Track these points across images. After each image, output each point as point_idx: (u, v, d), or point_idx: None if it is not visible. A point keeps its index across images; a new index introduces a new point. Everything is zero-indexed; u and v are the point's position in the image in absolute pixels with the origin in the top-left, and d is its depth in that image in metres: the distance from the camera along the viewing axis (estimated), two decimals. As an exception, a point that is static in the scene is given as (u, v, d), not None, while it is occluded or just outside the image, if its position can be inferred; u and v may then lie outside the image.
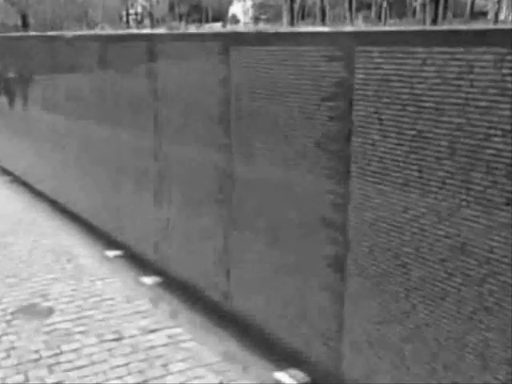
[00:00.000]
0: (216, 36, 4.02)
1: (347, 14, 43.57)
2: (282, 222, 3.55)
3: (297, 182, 3.34)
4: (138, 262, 5.47)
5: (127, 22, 65.99)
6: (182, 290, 4.75)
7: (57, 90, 6.83)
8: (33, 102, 7.73)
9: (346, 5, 44.94)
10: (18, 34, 9.88)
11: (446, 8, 39.79)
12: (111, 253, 5.87)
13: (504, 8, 43.20)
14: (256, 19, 62.43)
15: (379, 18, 48.63)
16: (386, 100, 2.75)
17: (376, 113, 2.80)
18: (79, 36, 6.66)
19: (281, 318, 3.64)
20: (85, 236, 6.35)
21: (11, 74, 8.37)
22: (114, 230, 5.93)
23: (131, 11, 73.44)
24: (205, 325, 4.29)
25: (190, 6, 67.14)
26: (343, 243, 3.09)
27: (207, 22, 64.72)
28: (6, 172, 9.06)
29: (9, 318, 4.50)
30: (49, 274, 5.37)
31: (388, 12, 48.90)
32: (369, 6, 52.17)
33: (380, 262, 2.90)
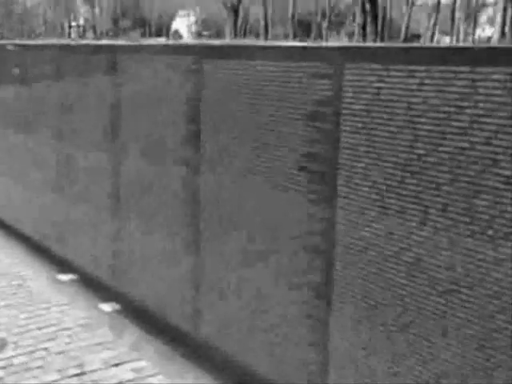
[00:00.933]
0: (188, 48, 3.81)
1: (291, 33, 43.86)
2: (257, 246, 3.35)
3: (276, 205, 3.15)
4: (95, 286, 5.17)
5: (69, 34, 64.94)
6: (144, 317, 4.48)
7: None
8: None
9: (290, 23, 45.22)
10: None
11: (383, 30, 40.49)
12: (65, 276, 5.54)
13: (437, 32, 44.45)
14: (199, 35, 62.28)
15: (320, 37, 49.06)
16: (378, 120, 2.59)
17: (367, 134, 2.64)
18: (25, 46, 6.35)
19: (259, 351, 3.43)
20: (34, 258, 6.00)
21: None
22: (66, 252, 5.61)
23: (73, 23, 72.43)
24: (172, 356, 4.04)
25: (133, 20, 66.55)
26: (328, 271, 2.91)
27: (150, 36, 64.22)
28: None
29: (-43, 352, 4.16)
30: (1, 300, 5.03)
31: (328, 32, 49.42)
32: (308, 26, 52.46)
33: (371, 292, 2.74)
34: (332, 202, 2.83)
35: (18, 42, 7.30)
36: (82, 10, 69.59)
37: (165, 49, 4.13)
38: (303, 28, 50.15)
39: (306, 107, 2.91)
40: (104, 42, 5.89)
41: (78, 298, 5.10)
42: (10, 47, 6.78)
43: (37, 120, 5.78)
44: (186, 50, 3.84)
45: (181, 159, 3.88)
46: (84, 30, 67.47)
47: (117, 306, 4.85)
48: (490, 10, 46.45)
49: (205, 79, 3.62)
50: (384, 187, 2.59)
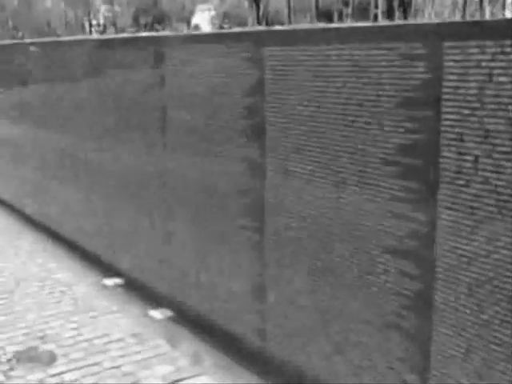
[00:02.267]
0: (245, 35, 3.48)
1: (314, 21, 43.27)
2: (332, 256, 3.02)
3: (363, 208, 2.81)
4: (143, 291, 4.89)
5: (90, 32, 64.86)
6: (201, 326, 4.18)
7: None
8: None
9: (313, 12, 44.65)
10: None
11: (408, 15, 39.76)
12: (110, 281, 5.27)
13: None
14: (220, 28, 61.83)
15: (344, 24, 48.29)
16: (492, 106, 2.25)
17: (478, 122, 2.29)
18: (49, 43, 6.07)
19: (336, 366, 3.10)
20: (76, 262, 5.74)
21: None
22: (111, 256, 5.34)
23: (94, 22, 72.47)
24: (236, 371, 3.72)
25: (153, 16, 66.38)
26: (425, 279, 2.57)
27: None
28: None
29: (6, 367, 3.88)
30: (43, 309, 4.76)
31: (350, 21, 48.72)
32: (330, 15, 51.70)
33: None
34: (430, 201, 2.49)
35: (48, 39, 7.06)
36: (102, 8, 69.58)
37: (218, 37, 3.80)
38: (326, 16, 49.51)
39: (396, 93, 2.57)
40: (148, 34, 5.57)
41: (126, 304, 4.82)
42: (32, 49, 6.58)
43: (79, 120, 5.50)
44: (243, 37, 3.52)
45: (242, 158, 3.56)
46: (105, 28, 67.41)
47: (169, 313, 4.55)
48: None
49: (267, 68, 3.29)
50: (500, 183, 2.25)
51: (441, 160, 2.42)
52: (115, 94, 4.84)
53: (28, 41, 7.31)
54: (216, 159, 3.78)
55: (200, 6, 70.63)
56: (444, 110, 2.38)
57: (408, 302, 2.63)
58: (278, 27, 3.80)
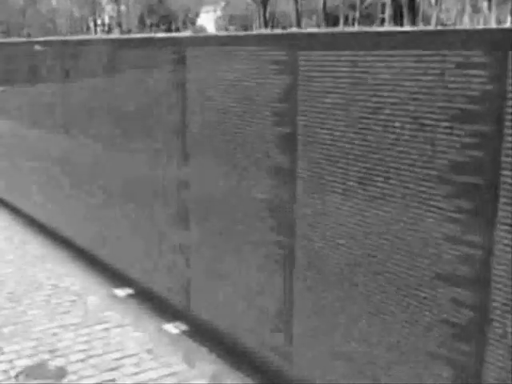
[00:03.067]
0: (277, 38, 3.27)
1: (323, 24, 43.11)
2: (371, 280, 2.81)
3: (410, 228, 2.60)
4: (156, 303, 4.68)
5: (95, 32, 64.68)
6: (219, 343, 3.97)
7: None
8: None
9: (320, 16, 44.47)
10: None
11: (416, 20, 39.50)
12: (121, 291, 5.06)
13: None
14: (225, 30, 61.62)
15: (351, 29, 48.15)
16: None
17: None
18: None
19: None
20: (85, 269, 5.53)
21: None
22: (123, 265, 5.13)
23: (99, 22, 72.40)
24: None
25: (159, 16, 66.28)
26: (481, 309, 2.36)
27: (178, 32, 63.70)
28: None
29: (14, 382, 3.68)
30: (52, 320, 4.55)
31: (357, 25, 48.54)
32: (336, 19, 51.55)
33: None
34: (487, 223, 2.28)
35: (58, 38, 6.87)
36: (108, 7, 69.45)
37: (247, 39, 3.59)
38: (332, 20, 49.35)
39: (451, 105, 2.36)
40: (169, 34, 5.37)
41: (139, 316, 4.61)
42: (37, 47, 6.41)
43: (91, 124, 5.29)
44: (274, 39, 3.31)
45: (269, 168, 3.35)
46: (110, 28, 67.24)
47: (184, 328, 4.35)
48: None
49: (300, 73, 3.08)
50: None
51: (502, 179, 2.21)
52: (131, 99, 4.64)
53: (38, 39, 7.10)
54: (242, 169, 3.57)
55: (205, 8, 70.52)
56: (507, 124, 2.17)
57: (460, 331, 2.42)
58: (315, 30, 3.59)
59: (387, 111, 2.64)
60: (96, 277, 5.35)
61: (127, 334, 4.33)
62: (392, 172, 2.64)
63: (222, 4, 67.58)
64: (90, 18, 69.67)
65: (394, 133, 2.61)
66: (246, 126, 3.50)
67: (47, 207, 6.37)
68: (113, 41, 4.91)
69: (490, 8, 39.74)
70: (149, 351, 4.06)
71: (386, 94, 2.62)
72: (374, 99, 2.69)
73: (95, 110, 5.16)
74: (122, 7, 64.43)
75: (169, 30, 65.67)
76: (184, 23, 69.24)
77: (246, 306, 3.69)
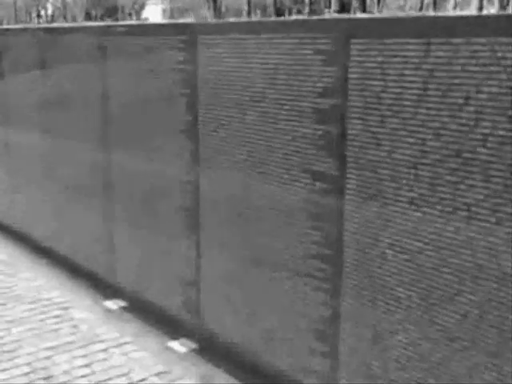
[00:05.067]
0: (319, 24, 2.87)
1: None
2: (439, 307, 2.48)
3: (492, 248, 2.26)
4: (151, 315, 4.26)
5: (38, 24, 62.88)
6: (238, 363, 3.58)
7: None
8: None
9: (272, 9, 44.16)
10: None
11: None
12: (112, 303, 4.61)
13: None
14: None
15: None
16: None
17: None
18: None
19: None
20: (68, 280, 5.05)
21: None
22: (113, 275, 4.68)
23: (42, 12, 70.56)
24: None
25: (105, 8, 64.85)
26: None
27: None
28: None
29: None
30: (42, 340, 4.07)
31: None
32: (283, 14, 51.34)
33: None
34: None
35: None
36: (52, -2, 67.65)
37: (282, 25, 3.17)
38: (280, 15, 49.06)
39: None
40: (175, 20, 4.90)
41: (138, 332, 4.18)
42: None
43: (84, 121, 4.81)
44: (318, 26, 2.92)
45: (312, 174, 2.97)
46: (53, 19, 65.40)
47: (193, 345, 3.94)
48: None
49: (352, 64, 2.71)
50: None
51: None
52: (135, 89, 4.19)
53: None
54: (274, 175, 3.18)
55: (151, 0, 69.37)
56: None
57: None
58: (370, 15, 3.21)
59: (471, 108, 2.29)
60: (81, 288, 4.88)
61: (130, 354, 3.90)
62: (470, 180, 2.30)
63: (170, -4, 66.61)
64: (33, 9, 67.84)
65: (473, 132, 2.26)
66: (278, 124, 3.10)
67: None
68: (110, 27, 4.43)
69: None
70: (159, 375, 3.64)
71: (468, 88, 2.27)
72: (451, 93, 2.33)
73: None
74: (68, -2, 62.81)
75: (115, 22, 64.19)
76: (130, 15, 68.07)
77: (279, 324, 3.30)
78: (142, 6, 70.73)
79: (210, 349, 3.80)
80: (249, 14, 40.47)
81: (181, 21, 3.95)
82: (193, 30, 3.62)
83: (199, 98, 3.60)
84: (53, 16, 67.87)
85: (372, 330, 2.77)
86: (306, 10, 47.61)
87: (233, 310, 3.59)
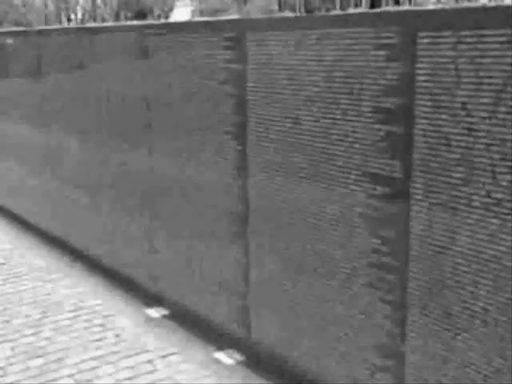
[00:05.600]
0: (384, 18, 2.68)
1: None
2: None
3: None
4: (194, 323, 4.11)
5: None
6: (282, 376, 3.40)
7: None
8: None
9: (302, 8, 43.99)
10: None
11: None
12: (154, 311, 4.47)
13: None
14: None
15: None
16: None
17: None
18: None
19: None
20: (109, 287, 4.92)
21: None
22: (150, 279, 4.54)
23: (72, 16, 71.18)
24: None
25: (134, 12, 65.25)
26: None
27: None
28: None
29: None
30: (84, 350, 3.94)
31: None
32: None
33: None
34: None
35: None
36: (81, 0, 68.14)
37: (342, 20, 2.98)
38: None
39: None
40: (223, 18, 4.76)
41: (184, 343, 4.02)
42: (9, 41, 5.86)
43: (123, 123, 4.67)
44: (380, 19, 2.72)
45: (368, 179, 2.78)
46: (83, 23, 65.89)
47: (240, 357, 3.77)
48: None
49: (420, 60, 2.51)
50: None
51: None
52: (180, 89, 4.03)
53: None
54: (331, 178, 3.00)
55: (179, 3, 69.60)
56: None
57: None
58: (439, 6, 3.01)
59: None
60: (120, 294, 4.76)
61: (175, 366, 3.74)
62: None
63: (197, -3, 66.77)
64: (63, 13, 68.44)
65: None
66: (338, 125, 2.91)
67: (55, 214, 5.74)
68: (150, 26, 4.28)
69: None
70: (209, 388, 3.48)
71: None
72: None
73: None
74: (98, 1, 63.30)
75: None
76: (159, 16, 68.37)
77: (330, 337, 3.12)
78: (171, 8, 71.02)
79: (259, 361, 3.63)
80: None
81: (228, 17, 3.80)
82: (241, 27, 3.45)
83: (248, 97, 3.43)
84: (82, 19, 68.42)
85: (442, 345, 2.57)
86: (337, 7, 47.36)
87: (283, 321, 3.41)
